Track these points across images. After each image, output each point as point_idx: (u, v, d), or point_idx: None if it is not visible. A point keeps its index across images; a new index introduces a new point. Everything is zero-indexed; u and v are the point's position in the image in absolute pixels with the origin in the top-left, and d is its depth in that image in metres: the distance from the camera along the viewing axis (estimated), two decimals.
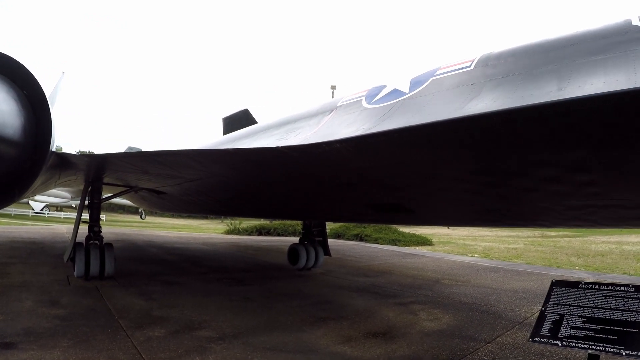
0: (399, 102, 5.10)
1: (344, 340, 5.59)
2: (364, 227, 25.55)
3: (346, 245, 21.41)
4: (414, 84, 5.17)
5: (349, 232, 26.13)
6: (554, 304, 4.32)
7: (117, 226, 31.80)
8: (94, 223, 9.50)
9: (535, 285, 10.77)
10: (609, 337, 3.75)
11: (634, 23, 3.54)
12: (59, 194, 41.92)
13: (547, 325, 4.14)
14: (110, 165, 7.65)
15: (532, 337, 4.13)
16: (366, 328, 6.21)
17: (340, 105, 6.37)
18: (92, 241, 9.05)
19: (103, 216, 34.18)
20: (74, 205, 47.94)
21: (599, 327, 3.87)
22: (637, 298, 3.95)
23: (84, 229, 9.26)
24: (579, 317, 4.06)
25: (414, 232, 26.46)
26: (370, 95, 5.81)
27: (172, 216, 59.18)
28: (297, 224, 25.59)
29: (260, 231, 27.61)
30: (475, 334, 6.12)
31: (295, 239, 13.74)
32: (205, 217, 58.61)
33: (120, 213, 61.05)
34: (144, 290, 8.05)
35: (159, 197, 12.19)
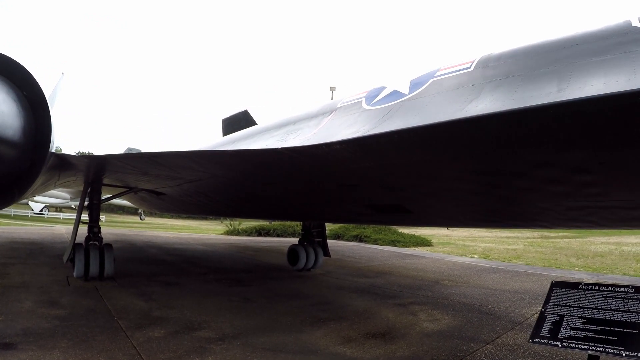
0: (398, 104, 5.10)
1: (344, 341, 5.59)
2: (364, 228, 25.55)
3: (345, 246, 21.41)
4: (414, 85, 5.17)
5: (348, 232, 26.13)
6: (553, 304, 4.32)
7: (116, 227, 31.78)
8: (94, 224, 9.50)
9: (535, 286, 10.78)
10: (608, 338, 3.76)
11: (633, 24, 3.54)
12: (58, 195, 41.92)
13: (547, 326, 4.14)
14: (109, 166, 7.65)
15: (532, 338, 4.13)
16: (366, 329, 6.21)
17: (340, 107, 6.37)
18: (91, 242, 9.05)
19: (102, 217, 34.16)
20: (73, 206, 47.95)
21: (599, 328, 3.88)
22: (637, 299, 3.95)
23: (83, 229, 9.26)
24: (579, 318, 4.06)
25: (413, 233, 26.47)
26: (370, 97, 5.81)
27: (172, 217, 59.17)
28: (297, 225, 25.59)
29: (259, 232, 27.60)
30: (474, 335, 6.12)
31: (295, 240, 13.74)
32: (205, 218, 58.58)
33: (120, 214, 61.00)
34: (144, 290, 8.05)
35: (158, 198, 12.19)
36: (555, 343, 3.96)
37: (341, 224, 26.65)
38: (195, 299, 7.60)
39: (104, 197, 10.78)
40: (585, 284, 4.40)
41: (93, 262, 8.65)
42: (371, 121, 5.18)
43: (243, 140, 9.45)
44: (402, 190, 6.04)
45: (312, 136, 6.15)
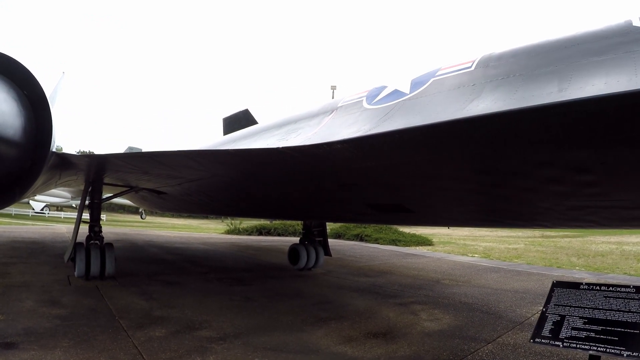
0: (399, 103, 5.09)
1: (345, 340, 5.59)
2: (364, 227, 25.54)
3: (346, 245, 21.41)
4: (415, 84, 5.17)
5: (349, 232, 26.13)
6: (555, 304, 4.32)
7: (117, 226, 31.81)
8: (95, 223, 9.51)
9: (536, 285, 10.78)
10: (610, 338, 3.76)
11: (634, 24, 3.53)
12: (59, 194, 41.91)
13: (548, 326, 4.14)
14: (110, 165, 7.65)
15: (533, 337, 4.13)
16: (367, 328, 6.21)
17: (341, 106, 6.37)
18: (92, 241, 9.06)
19: (103, 216, 34.18)
20: (74, 205, 47.93)
21: (600, 328, 3.88)
22: (638, 299, 3.95)
23: (84, 228, 9.26)
24: (580, 318, 4.06)
25: (414, 232, 26.45)
26: (371, 96, 5.81)
27: (173, 216, 59.17)
28: (298, 224, 25.58)
29: (260, 231, 27.60)
30: (476, 335, 6.12)
31: (296, 239, 13.74)
32: (206, 217, 58.58)
33: (121, 213, 61.03)
34: (145, 290, 8.05)
35: (159, 197, 12.20)
36: (557, 343, 3.96)
37: (342, 223, 26.65)
38: (196, 298, 7.61)
39: (104, 196, 10.79)
40: (586, 284, 4.40)
41: (94, 261, 8.65)
42: (372, 120, 5.17)
43: (244, 140, 9.45)
44: (402, 190, 6.04)
45: (313, 135, 6.14)
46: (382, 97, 5.52)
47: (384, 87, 5.72)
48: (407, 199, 6.41)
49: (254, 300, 7.69)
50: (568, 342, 3.91)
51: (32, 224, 28.54)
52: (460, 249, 21.07)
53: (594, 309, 4.08)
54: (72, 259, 8.74)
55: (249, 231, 27.78)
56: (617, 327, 3.81)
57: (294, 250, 12.20)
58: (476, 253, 19.29)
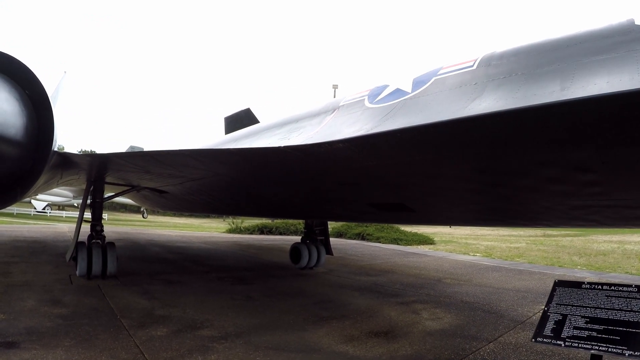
0: (401, 102, 5.09)
1: (347, 339, 5.59)
2: (366, 226, 25.54)
3: (348, 244, 21.41)
4: (417, 83, 5.16)
5: (350, 231, 26.13)
6: (556, 304, 4.32)
7: (119, 225, 31.85)
8: (96, 222, 9.52)
9: (538, 284, 10.76)
10: (611, 337, 3.75)
11: (637, 22, 3.52)
12: (61, 193, 41.98)
13: (550, 325, 4.14)
14: (112, 164, 7.66)
15: (535, 337, 4.12)
16: (368, 327, 6.21)
17: (343, 105, 6.37)
18: (94, 240, 9.07)
19: (105, 215, 34.23)
20: (75, 204, 48.00)
21: (602, 327, 3.87)
22: None
23: (86, 228, 9.27)
24: (582, 317, 4.05)
25: (415, 231, 26.44)
26: (373, 95, 5.80)
27: (174, 215, 59.20)
28: (299, 223, 25.60)
29: (262, 230, 27.62)
30: (477, 334, 6.11)
31: (297, 238, 13.74)
32: (207, 216, 58.64)
33: (122, 212, 61.11)
34: (146, 289, 8.06)
35: (161, 196, 12.21)
36: (558, 342, 3.95)
37: (343, 222, 26.66)
38: (198, 297, 7.61)
39: (106, 195, 10.80)
40: (588, 283, 4.39)
41: (96, 260, 8.66)
42: (374, 119, 5.17)
43: (245, 139, 9.45)
44: (404, 189, 6.04)
45: (314, 134, 6.14)
46: (384, 96, 5.52)
47: (385, 86, 5.71)
48: (408, 198, 6.41)
49: (256, 300, 7.69)
50: (570, 342, 3.90)
51: (34, 223, 28.59)
52: (462, 248, 21.05)
53: (595, 308, 4.07)
54: (74, 258, 8.75)
55: (250, 230, 27.81)
56: (619, 327, 3.81)
57: (295, 249, 12.20)
58: (478, 252, 19.27)
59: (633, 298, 3.97)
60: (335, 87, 34.76)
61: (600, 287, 4.26)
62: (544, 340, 4.05)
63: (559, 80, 3.59)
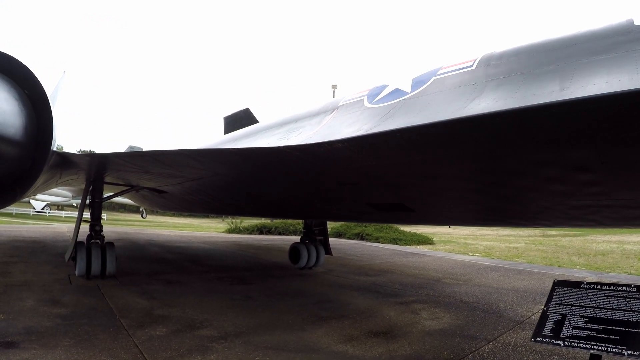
0: (400, 102, 5.09)
1: (346, 339, 5.59)
2: (365, 226, 25.54)
3: (347, 244, 21.41)
4: (416, 83, 5.16)
5: (350, 231, 26.14)
6: (556, 304, 4.32)
7: (118, 225, 31.83)
8: (95, 222, 9.52)
9: (537, 284, 10.77)
10: (611, 337, 3.76)
11: (636, 23, 3.53)
12: (60, 193, 41.92)
13: (549, 325, 4.14)
14: (111, 164, 7.66)
15: (534, 337, 4.13)
16: (367, 327, 6.21)
17: (342, 105, 6.37)
18: (93, 240, 9.07)
19: (104, 215, 34.18)
20: (75, 204, 47.99)
21: (601, 327, 3.87)
22: (639, 298, 3.95)
23: (85, 228, 9.26)
24: (581, 317, 4.06)
25: (415, 231, 26.44)
26: (372, 95, 5.80)
27: (173, 215, 59.15)
28: (298, 223, 25.58)
29: (261, 230, 27.61)
30: (476, 333, 6.12)
31: (297, 238, 13.74)
32: (206, 216, 58.61)
33: (121, 212, 61.06)
34: (146, 289, 8.06)
35: (160, 196, 12.20)
36: (558, 342, 3.96)
37: (343, 222, 26.66)
38: (197, 297, 7.61)
39: (105, 195, 10.80)
40: (587, 283, 4.40)
41: (95, 260, 8.66)
42: (373, 119, 5.17)
43: (245, 139, 9.45)
44: (403, 189, 6.04)
45: (313, 134, 6.14)
46: (383, 96, 5.52)
47: (385, 86, 5.71)
48: (408, 198, 6.41)
49: (255, 299, 7.69)
50: (569, 341, 3.91)
51: (33, 223, 28.57)
52: (461, 248, 21.06)
53: (595, 308, 4.08)
54: (73, 258, 8.74)
55: (249, 230, 27.80)
56: (618, 327, 3.81)
57: (294, 249, 12.20)
58: (477, 252, 19.28)
59: (632, 298, 3.98)
60: (334, 87, 34.73)
61: (599, 287, 4.27)
62: (543, 340, 4.05)
63: (558, 80, 3.60)
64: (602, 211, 4.85)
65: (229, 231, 28.38)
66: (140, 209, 52.14)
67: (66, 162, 6.69)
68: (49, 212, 46.49)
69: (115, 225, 31.31)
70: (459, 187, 5.32)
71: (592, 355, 3.80)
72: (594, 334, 3.86)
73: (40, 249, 13.25)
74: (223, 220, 41.87)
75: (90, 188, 9.60)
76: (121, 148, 27.84)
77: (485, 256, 17.77)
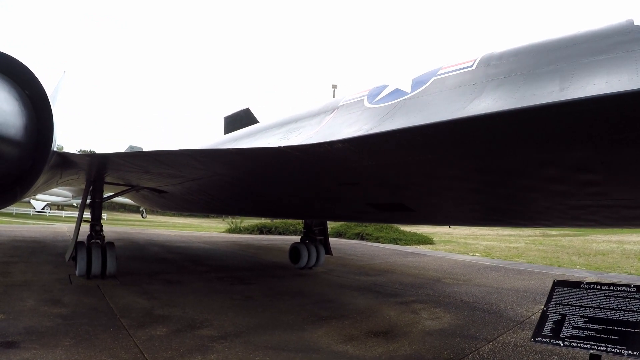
0: (400, 102, 5.09)
1: (346, 339, 5.59)
2: (365, 226, 25.54)
3: (347, 244, 21.42)
4: (416, 83, 5.17)
5: (350, 230, 26.15)
6: (555, 304, 4.32)
7: (118, 225, 31.84)
8: (96, 222, 9.53)
9: (537, 284, 10.77)
10: (610, 337, 3.76)
11: (636, 23, 3.53)
12: (60, 193, 41.92)
13: (549, 325, 4.14)
14: (111, 164, 7.66)
15: (534, 337, 4.13)
16: (368, 327, 6.22)
17: (342, 105, 6.37)
18: (93, 240, 9.07)
19: (104, 215, 34.16)
20: (75, 204, 47.99)
21: (601, 327, 3.88)
22: (639, 298, 3.95)
23: (85, 228, 9.27)
24: (581, 317, 4.06)
25: (415, 231, 26.44)
26: (372, 95, 5.81)
27: (173, 215, 59.15)
28: (299, 223, 25.58)
29: (261, 230, 27.62)
30: (476, 333, 6.12)
31: (297, 238, 13.74)
32: (207, 216, 58.63)
33: (122, 212, 61.06)
34: (146, 289, 8.06)
35: (160, 196, 12.21)
36: (557, 342, 3.96)
37: (343, 222, 26.66)
38: (197, 297, 7.62)
39: (105, 195, 10.80)
40: (587, 283, 4.40)
41: (95, 260, 8.66)
42: (373, 120, 5.17)
43: (245, 139, 9.45)
44: (403, 189, 6.04)
45: (314, 134, 6.14)
46: (383, 96, 5.52)
47: (385, 86, 5.71)
48: (408, 198, 6.41)
49: (255, 299, 7.70)
50: (569, 341, 3.91)
51: (33, 223, 28.58)
52: (461, 248, 21.07)
53: (594, 308, 4.08)
54: (73, 258, 8.75)
55: (249, 230, 27.80)
56: (618, 327, 3.82)
57: (295, 249, 12.21)
58: (477, 252, 19.28)
59: (632, 298, 3.98)
60: (334, 87, 34.72)
61: (599, 287, 4.27)
62: (543, 340, 4.05)
63: (558, 80, 3.60)
64: (602, 211, 4.85)
65: (229, 231, 28.39)
66: (141, 209, 52.16)
67: (66, 162, 6.70)
68: (49, 212, 46.50)
69: (115, 225, 31.32)
70: (459, 187, 5.32)
71: (591, 355, 3.80)
72: (593, 334, 3.86)
73: (41, 249, 13.26)
74: (223, 220, 41.90)
75: (91, 188, 9.61)
76: (121, 148, 27.85)
77: (486, 256, 17.78)
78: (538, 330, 4.15)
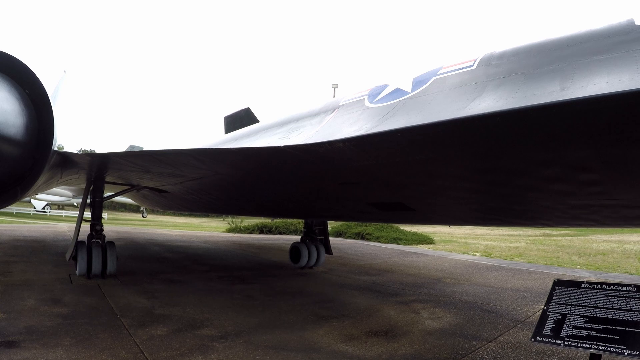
0: (401, 102, 5.09)
1: (346, 339, 5.60)
2: (366, 226, 25.55)
3: (348, 244, 21.42)
4: (417, 83, 5.17)
5: (350, 230, 26.15)
6: (556, 303, 4.32)
7: (118, 224, 31.85)
8: (96, 221, 9.53)
9: (537, 284, 10.77)
10: (611, 337, 3.76)
11: (636, 23, 3.53)
12: (60, 193, 41.89)
13: (549, 324, 4.14)
14: (112, 164, 7.66)
15: (534, 336, 4.13)
16: (368, 327, 6.22)
17: (343, 105, 6.37)
18: (94, 240, 9.08)
19: (105, 215, 34.20)
20: (75, 204, 47.98)
21: (601, 326, 3.88)
22: (639, 298, 3.95)
23: (85, 227, 9.27)
24: (581, 316, 4.06)
25: (415, 230, 26.45)
26: (373, 95, 5.81)
27: (174, 214, 59.20)
28: (299, 222, 25.61)
29: (261, 229, 27.63)
30: (477, 333, 6.12)
31: (297, 238, 13.75)
32: (207, 216, 58.65)
33: (122, 211, 61.11)
34: (146, 288, 8.07)
35: (160, 195, 12.21)
36: (558, 342, 3.96)
37: (343, 222, 26.67)
38: (198, 296, 7.62)
39: (106, 194, 10.81)
40: (587, 282, 4.40)
41: (96, 260, 8.67)
42: (374, 119, 5.17)
43: (245, 138, 9.45)
44: (404, 189, 6.04)
45: (314, 134, 6.15)
46: (384, 96, 5.52)
47: (385, 86, 5.71)
48: (408, 197, 6.41)
49: (255, 299, 7.70)
50: (569, 341, 3.91)
51: (34, 223, 28.58)
52: (462, 248, 21.06)
53: (595, 307, 4.08)
54: (74, 257, 8.75)
55: (250, 229, 27.82)
56: (618, 326, 3.82)
57: (295, 248, 12.21)
58: (477, 251, 19.28)
59: (632, 297, 3.98)
60: (335, 86, 34.68)
61: (599, 286, 4.27)
62: (544, 339, 4.05)
63: (559, 80, 3.60)
64: (603, 211, 4.85)
65: (230, 230, 28.40)
66: (141, 209, 52.18)
67: (67, 162, 6.70)
68: (49, 212, 46.52)
69: (115, 224, 31.33)
70: (459, 187, 5.32)
71: (592, 354, 3.80)
72: (594, 333, 3.86)
73: (41, 249, 13.27)
74: (224, 220, 41.95)
75: (91, 187, 9.61)
76: (122, 147, 27.88)
77: (486, 256, 17.77)
78: (538, 330, 4.15)
